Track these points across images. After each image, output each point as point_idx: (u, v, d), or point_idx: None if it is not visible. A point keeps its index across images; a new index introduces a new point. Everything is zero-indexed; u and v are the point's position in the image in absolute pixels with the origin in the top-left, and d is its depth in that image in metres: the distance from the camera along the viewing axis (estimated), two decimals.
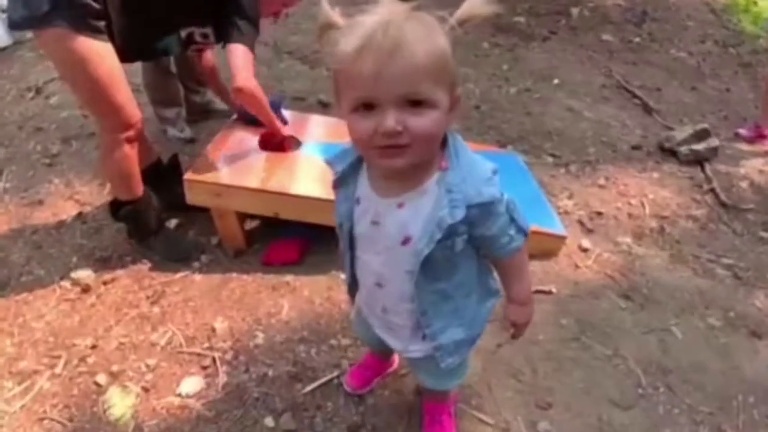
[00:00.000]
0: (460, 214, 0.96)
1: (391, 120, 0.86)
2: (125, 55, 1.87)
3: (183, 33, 2.02)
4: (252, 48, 1.96)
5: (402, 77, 0.84)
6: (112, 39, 1.79)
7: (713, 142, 3.32)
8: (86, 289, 2.06)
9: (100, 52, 1.74)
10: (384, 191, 1.03)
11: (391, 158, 0.91)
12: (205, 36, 2.07)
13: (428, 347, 1.20)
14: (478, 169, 0.99)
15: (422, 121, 0.88)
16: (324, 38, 0.93)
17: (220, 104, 3.17)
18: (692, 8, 5.99)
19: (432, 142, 0.94)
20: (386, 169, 0.99)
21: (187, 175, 2.05)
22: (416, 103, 0.87)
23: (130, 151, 1.96)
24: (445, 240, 0.99)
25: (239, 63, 1.91)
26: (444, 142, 0.99)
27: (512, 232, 1.05)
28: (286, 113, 2.54)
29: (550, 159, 3.15)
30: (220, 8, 1.96)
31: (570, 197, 2.79)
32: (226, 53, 1.94)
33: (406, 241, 1.04)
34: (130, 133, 1.93)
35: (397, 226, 1.03)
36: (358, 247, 1.16)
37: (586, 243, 2.45)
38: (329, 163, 1.12)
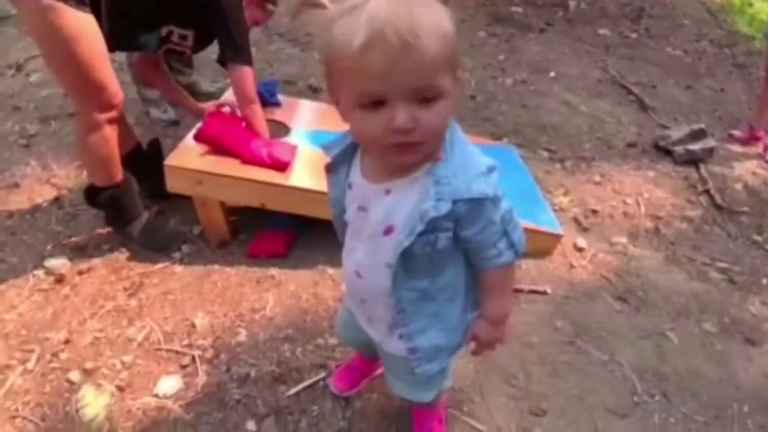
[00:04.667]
0: (445, 207, 0.89)
1: (403, 116, 0.80)
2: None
3: (163, 30, 1.97)
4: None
5: (415, 72, 0.78)
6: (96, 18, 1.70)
7: (709, 142, 3.27)
8: (60, 279, 1.96)
9: (85, 26, 1.64)
10: (374, 176, 0.98)
11: (404, 155, 0.87)
12: (183, 38, 2.03)
13: (405, 348, 1.13)
14: (472, 163, 0.92)
15: (434, 116, 0.82)
16: (302, 17, 0.85)
17: (206, 85, 3.06)
18: (688, 7, 5.95)
19: (441, 134, 0.89)
20: (397, 163, 0.93)
21: (168, 161, 1.95)
22: (428, 97, 0.81)
23: (111, 133, 1.86)
24: (428, 234, 0.93)
25: (249, 86, 2.03)
26: None
27: (502, 246, 0.98)
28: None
29: (545, 154, 3.09)
30: (206, 18, 1.94)
31: (565, 194, 2.73)
32: (232, 74, 2.01)
33: (388, 230, 0.98)
34: (112, 113, 1.83)
35: (382, 214, 0.98)
36: (347, 233, 1.11)
37: (581, 242, 2.40)
38: (325, 148, 1.06)
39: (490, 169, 0.93)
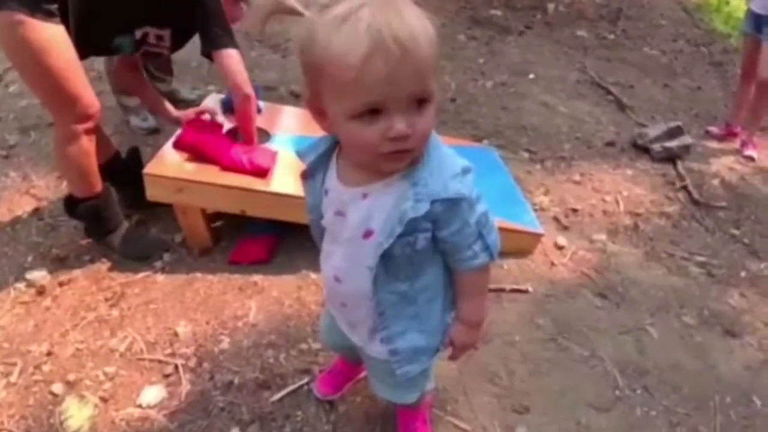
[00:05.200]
0: (423, 208, 0.91)
1: (402, 124, 0.82)
2: (78, 51, 1.76)
3: (138, 33, 1.94)
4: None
5: (414, 77, 0.80)
6: (66, 27, 1.69)
7: (686, 139, 3.34)
8: (41, 291, 1.95)
9: (55, 38, 1.64)
10: (350, 181, 0.98)
11: (396, 162, 0.89)
12: (159, 38, 1.99)
13: (386, 350, 1.14)
14: (448, 164, 0.94)
15: (426, 121, 0.85)
16: (272, 25, 0.85)
17: (186, 93, 3.06)
18: (665, 7, 6.06)
19: (428, 139, 0.90)
20: (387, 170, 0.93)
21: (147, 169, 1.95)
22: (421, 102, 0.83)
23: (89, 144, 1.85)
24: (407, 236, 0.94)
25: (242, 69, 1.95)
26: None
27: (477, 248, 1.00)
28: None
29: (525, 154, 3.12)
30: (182, 14, 1.90)
31: (546, 193, 2.77)
32: (222, 59, 1.92)
33: (368, 234, 0.98)
34: (89, 124, 1.82)
35: (359, 218, 0.98)
36: (324, 238, 1.11)
37: (561, 240, 2.43)
38: (300, 155, 1.06)
39: (465, 170, 0.94)
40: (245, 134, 2.14)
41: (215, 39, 1.92)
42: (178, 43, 2.08)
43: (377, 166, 0.91)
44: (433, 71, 0.83)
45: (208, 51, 1.95)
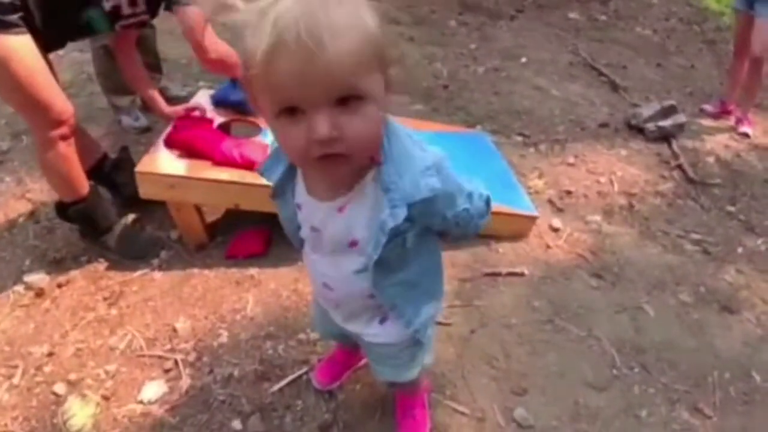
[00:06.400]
0: (401, 214, 0.87)
1: (323, 126, 0.73)
2: (51, 40, 1.74)
3: (107, 5, 1.82)
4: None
5: (327, 76, 0.70)
6: (33, 27, 1.66)
7: (680, 118, 3.33)
8: (40, 294, 1.95)
9: (16, 49, 1.61)
10: (322, 194, 0.94)
11: (332, 167, 0.79)
12: (133, 4, 1.87)
13: (387, 332, 1.16)
14: (415, 157, 0.87)
15: (360, 124, 0.75)
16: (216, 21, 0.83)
17: (176, 90, 3.05)
18: None
19: (376, 142, 0.83)
20: (324, 178, 0.90)
21: (139, 167, 1.94)
22: (348, 99, 0.74)
23: (67, 149, 1.83)
24: (394, 239, 0.92)
25: (200, 29, 1.85)
26: None
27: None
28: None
29: (519, 138, 3.12)
30: None
31: (540, 176, 2.77)
32: (179, 19, 1.84)
33: (353, 244, 0.97)
34: (63, 130, 1.80)
35: (340, 231, 0.96)
36: (305, 245, 1.09)
37: (556, 222, 2.43)
38: (263, 173, 1.04)
39: (438, 161, 0.89)
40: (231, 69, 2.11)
41: None
42: (154, 5, 1.97)
43: (315, 174, 0.89)
44: (368, 68, 0.74)
45: (169, 6, 1.91)
